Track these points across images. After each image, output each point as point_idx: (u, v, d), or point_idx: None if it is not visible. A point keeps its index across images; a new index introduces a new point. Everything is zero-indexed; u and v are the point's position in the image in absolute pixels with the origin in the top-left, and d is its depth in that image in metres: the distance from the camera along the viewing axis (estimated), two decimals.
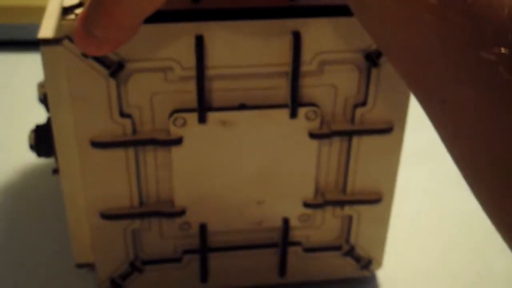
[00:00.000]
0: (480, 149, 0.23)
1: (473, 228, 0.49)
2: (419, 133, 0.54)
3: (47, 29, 0.34)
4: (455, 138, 0.24)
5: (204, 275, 0.40)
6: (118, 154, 0.35)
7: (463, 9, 0.22)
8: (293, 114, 0.35)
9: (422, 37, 0.23)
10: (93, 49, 0.30)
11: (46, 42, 0.33)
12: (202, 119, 0.35)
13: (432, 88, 0.24)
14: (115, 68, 0.33)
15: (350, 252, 0.41)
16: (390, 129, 0.37)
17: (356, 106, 0.36)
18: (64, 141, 0.36)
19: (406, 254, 0.46)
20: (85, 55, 0.32)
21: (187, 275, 0.40)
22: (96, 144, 0.35)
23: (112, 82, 0.33)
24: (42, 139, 0.38)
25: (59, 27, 0.33)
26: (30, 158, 0.52)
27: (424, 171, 0.54)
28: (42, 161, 0.51)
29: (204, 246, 0.39)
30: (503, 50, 0.21)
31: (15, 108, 0.58)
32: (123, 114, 0.34)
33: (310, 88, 0.35)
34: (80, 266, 0.41)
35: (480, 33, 0.22)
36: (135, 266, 0.39)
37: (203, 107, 0.34)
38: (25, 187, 0.50)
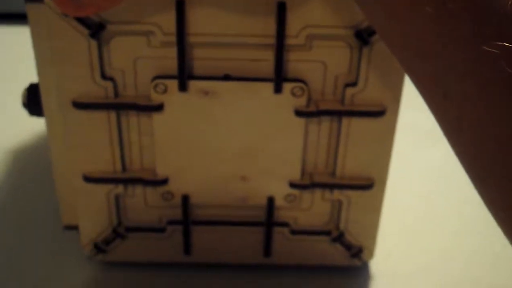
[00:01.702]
0: (482, 143, 0.22)
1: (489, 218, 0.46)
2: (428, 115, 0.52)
3: None
4: (457, 132, 0.23)
5: (187, 247, 0.40)
6: (100, 116, 0.35)
7: (465, 1, 0.20)
8: (278, 89, 0.34)
9: (423, 30, 0.22)
10: (71, 9, 0.29)
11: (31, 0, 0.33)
12: (182, 87, 0.34)
13: (433, 81, 0.23)
14: (96, 29, 0.32)
15: (340, 239, 0.40)
16: (382, 112, 0.35)
17: (346, 85, 0.34)
18: (50, 102, 0.36)
19: (410, 244, 0.44)
20: (66, 14, 0.32)
21: (170, 246, 0.40)
22: (78, 105, 0.35)
23: (93, 43, 0.33)
24: (34, 98, 0.38)
25: None
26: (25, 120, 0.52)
27: (438, 152, 0.53)
28: (37, 122, 0.52)
29: (186, 217, 0.38)
30: (505, 43, 0.20)
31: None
32: (105, 77, 0.34)
33: (297, 63, 0.34)
34: (67, 228, 0.41)
35: (482, 26, 0.20)
36: (118, 232, 0.39)
37: (184, 75, 0.34)
38: (19, 149, 0.51)
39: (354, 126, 0.35)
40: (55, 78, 0.34)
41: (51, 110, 0.37)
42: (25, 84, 0.39)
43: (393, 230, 0.45)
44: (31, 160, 0.50)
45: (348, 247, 0.40)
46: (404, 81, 0.34)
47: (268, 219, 0.38)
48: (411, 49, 0.23)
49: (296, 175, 0.37)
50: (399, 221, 0.46)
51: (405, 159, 0.52)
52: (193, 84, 0.34)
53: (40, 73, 0.36)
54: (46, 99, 0.36)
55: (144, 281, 0.40)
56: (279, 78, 0.34)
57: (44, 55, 0.35)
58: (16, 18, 0.68)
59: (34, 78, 0.50)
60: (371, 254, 0.40)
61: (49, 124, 0.37)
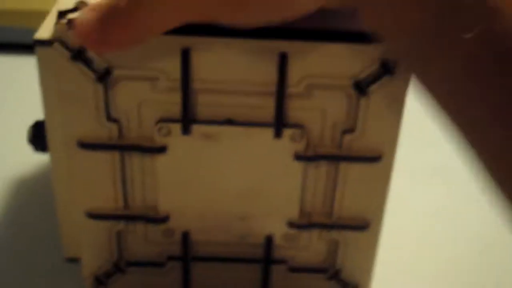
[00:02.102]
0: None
1: (485, 254, 0.47)
2: (432, 151, 0.55)
3: (44, 31, 0.35)
4: None
5: (186, 283, 0.41)
6: (104, 156, 0.36)
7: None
8: (278, 134, 0.35)
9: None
10: (95, 44, 0.30)
11: (40, 43, 0.34)
12: (186, 131, 0.35)
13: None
14: (102, 73, 0.33)
15: (336, 276, 0.40)
16: (379, 157, 0.36)
17: (344, 132, 0.35)
18: (55, 139, 0.37)
19: (405, 282, 0.45)
20: (74, 58, 0.33)
21: (169, 281, 0.41)
22: (83, 145, 0.36)
23: (99, 87, 0.34)
24: (39, 135, 0.39)
25: (53, 29, 0.34)
26: (28, 156, 0.53)
27: (437, 190, 0.54)
28: (40, 157, 0.53)
29: (186, 254, 0.39)
30: None
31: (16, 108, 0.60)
32: (110, 118, 0.35)
33: (297, 110, 0.35)
34: (69, 260, 0.42)
35: None
36: (118, 267, 0.40)
37: (187, 119, 0.35)
38: (22, 181, 0.52)
39: (351, 170, 0.36)
40: (61, 119, 0.35)
41: (56, 147, 0.38)
42: (30, 114, 0.41)
43: (389, 268, 0.46)
44: (34, 192, 0.50)
45: (344, 284, 0.41)
46: (400, 129, 0.35)
47: (266, 257, 0.39)
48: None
49: (294, 215, 0.38)
50: (395, 259, 0.47)
51: (402, 198, 0.53)
52: (196, 128, 0.35)
53: (46, 112, 0.37)
54: (51, 137, 0.37)
55: None
56: (279, 124, 0.35)
57: (51, 96, 0.36)
58: (22, 48, 0.69)
59: (38, 110, 0.52)
60: None
61: (53, 161, 0.38)
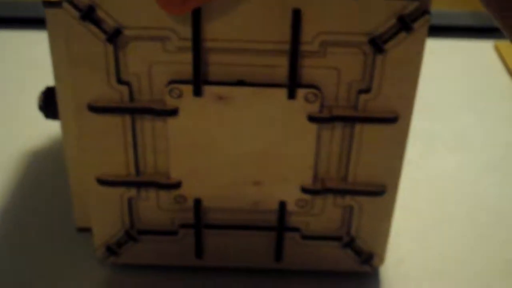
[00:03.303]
0: None
1: (502, 225, 0.47)
2: (451, 122, 0.56)
3: None
4: None
5: (199, 251, 0.40)
6: (115, 120, 0.35)
7: None
8: (291, 95, 0.34)
9: None
10: (177, 8, 0.31)
11: (49, 3, 0.34)
12: (197, 92, 0.34)
13: None
14: (112, 34, 0.33)
15: (350, 244, 0.40)
16: (395, 118, 0.35)
17: (360, 92, 0.34)
18: (66, 105, 0.37)
19: (421, 251, 0.44)
20: (83, 18, 0.32)
21: (182, 249, 0.40)
22: (93, 108, 0.35)
23: (110, 48, 0.33)
24: (49, 101, 0.39)
25: None
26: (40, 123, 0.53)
27: (455, 160, 0.53)
28: (52, 126, 0.53)
29: (199, 221, 0.39)
30: None
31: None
32: (121, 81, 0.34)
33: (311, 69, 0.34)
34: (80, 230, 0.42)
35: None
36: (131, 235, 0.40)
37: (199, 80, 0.34)
38: (34, 151, 0.51)
39: (367, 133, 0.36)
40: (71, 82, 0.35)
41: (67, 113, 0.37)
42: (41, 87, 0.40)
43: (404, 236, 0.45)
44: (46, 163, 0.50)
45: (359, 253, 0.40)
46: (417, 90, 0.35)
47: (280, 223, 0.39)
48: None
49: (308, 181, 0.37)
50: (411, 227, 0.46)
51: (419, 166, 0.52)
52: (208, 89, 0.34)
53: (56, 76, 0.36)
54: (62, 102, 0.37)
55: (155, 284, 0.41)
56: (293, 84, 0.34)
57: (61, 59, 0.35)
58: (32, 23, 0.68)
59: (50, 82, 0.51)
60: (381, 260, 0.41)
61: (64, 127, 0.38)
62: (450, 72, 0.66)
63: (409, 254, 0.44)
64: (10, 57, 0.63)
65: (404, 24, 0.32)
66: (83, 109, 0.35)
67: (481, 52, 0.69)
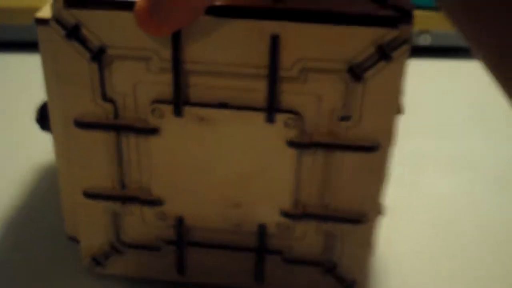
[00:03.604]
0: None
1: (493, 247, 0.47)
2: (457, 142, 0.57)
3: (45, 11, 0.36)
4: None
5: (181, 267, 0.40)
6: (100, 136, 0.36)
7: None
8: (270, 119, 0.34)
9: None
10: (153, 29, 0.32)
11: (40, 21, 0.35)
12: (178, 112, 0.35)
13: None
14: (96, 52, 0.34)
15: (332, 271, 0.40)
16: (375, 147, 0.35)
17: (341, 119, 0.34)
18: (56, 119, 0.38)
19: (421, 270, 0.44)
20: (68, 37, 0.33)
21: (165, 265, 0.41)
22: (79, 124, 0.36)
23: (94, 66, 0.34)
24: (44, 115, 0.40)
25: (51, 8, 0.35)
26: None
27: (461, 180, 0.54)
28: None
29: (180, 238, 0.39)
30: None
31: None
32: (106, 98, 0.35)
33: (291, 94, 0.34)
34: (71, 239, 0.42)
35: None
36: (115, 247, 0.40)
37: (179, 101, 0.34)
38: (36, 165, 0.53)
39: (347, 160, 0.36)
40: (58, 98, 0.36)
41: (57, 127, 0.38)
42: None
43: (407, 255, 0.45)
44: (43, 174, 0.51)
45: (340, 280, 0.40)
46: (397, 120, 0.34)
47: (260, 245, 0.39)
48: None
49: (288, 205, 0.37)
50: (410, 248, 0.46)
51: (421, 185, 0.53)
52: (189, 110, 0.35)
53: (47, 91, 0.37)
54: (53, 117, 0.38)
55: None
56: (272, 108, 0.34)
57: (51, 76, 0.36)
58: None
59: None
60: (363, 287, 0.40)
61: (55, 140, 0.39)
62: (454, 92, 0.67)
63: (414, 276, 0.44)
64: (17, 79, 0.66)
65: (383, 53, 0.32)
66: (70, 124, 0.36)
67: (485, 72, 0.70)
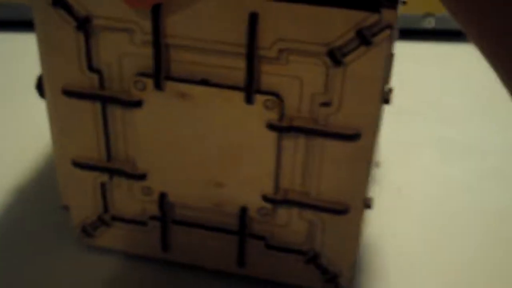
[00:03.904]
0: None
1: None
2: (460, 130, 0.57)
3: None
4: None
5: (165, 244, 0.40)
6: (87, 105, 0.37)
7: None
8: (249, 100, 0.34)
9: None
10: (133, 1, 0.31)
11: None
12: (158, 86, 0.35)
13: None
14: (82, 21, 0.34)
15: (314, 261, 0.39)
16: (357, 136, 0.34)
17: (322, 105, 0.33)
18: (48, 87, 0.38)
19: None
20: (54, 4, 0.34)
21: (151, 241, 0.41)
22: (66, 92, 0.36)
23: (81, 35, 0.34)
24: (41, 83, 0.40)
25: None
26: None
27: (465, 167, 0.53)
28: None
29: (164, 214, 0.39)
30: None
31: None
32: (92, 68, 0.35)
33: (272, 76, 0.33)
34: (64, 208, 0.43)
35: None
36: (103, 220, 0.41)
37: (160, 74, 0.34)
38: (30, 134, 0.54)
39: (329, 148, 0.34)
40: (47, 66, 0.36)
41: (49, 95, 0.39)
42: None
43: (413, 241, 0.45)
44: (39, 145, 0.52)
45: (323, 270, 0.39)
46: (380, 108, 0.33)
47: (242, 228, 0.38)
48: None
49: (268, 189, 0.36)
50: (419, 233, 0.46)
51: (429, 172, 0.52)
52: (170, 85, 0.34)
53: (40, 60, 0.38)
54: (45, 85, 0.38)
55: (124, 269, 0.41)
56: (251, 88, 0.33)
57: (41, 44, 0.37)
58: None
59: None
60: (348, 281, 0.39)
61: (48, 108, 0.39)
62: (458, 75, 0.66)
63: (418, 260, 0.44)
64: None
65: (363, 38, 0.31)
66: (58, 92, 0.37)
67: None
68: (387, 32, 0.31)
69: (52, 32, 0.35)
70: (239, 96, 0.34)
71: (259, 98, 0.34)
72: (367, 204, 0.38)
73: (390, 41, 0.31)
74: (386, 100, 0.34)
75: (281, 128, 0.34)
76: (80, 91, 0.36)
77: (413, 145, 0.55)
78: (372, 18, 0.30)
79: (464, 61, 0.67)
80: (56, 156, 0.41)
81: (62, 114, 0.37)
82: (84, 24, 0.34)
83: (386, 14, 0.30)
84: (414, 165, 0.53)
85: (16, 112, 0.57)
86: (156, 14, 0.32)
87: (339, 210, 0.36)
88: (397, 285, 0.42)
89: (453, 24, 0.79)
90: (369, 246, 0.44)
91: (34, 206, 0.47)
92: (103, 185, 0.39)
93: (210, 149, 0.36)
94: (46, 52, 0.35)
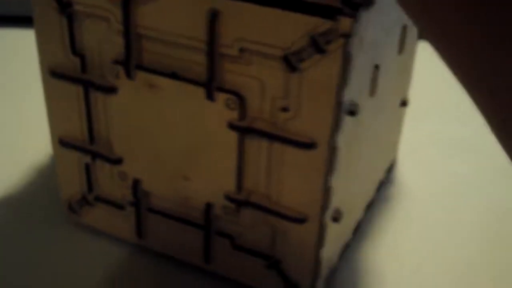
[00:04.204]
0: None
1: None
2: (461, 126, 0.56)
3: None
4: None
5: (139, 230, 0.41)
6: (70, 88, 0.38)
7: None
8: (210, 96, 0.34)
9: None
10: None
11: None
12: (129, 75, 0.35)
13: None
14: (63, 5, 0.35)
15: (276, 267, 0.38)
16: (312, 145, 0.33)
17: (281, 110, 0.33)
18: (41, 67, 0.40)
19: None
20: None
21: (127, 226, 0.42)
22: (53, 74, 0.38)
23: (64, 19, 0.36)
24: None
25: None
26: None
27: (467, 163, 0.53)
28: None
29: (138, 201, 0.40)
30: None
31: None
32: (75, 52, 0.37)
33: (234, 75, 0.33)
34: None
35: None
36: (86, 199, 0.42)
37: (130, 63, 0.35)
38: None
39: (287, 154, 0.34)
40: (38, 46, 0.38)
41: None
42: None
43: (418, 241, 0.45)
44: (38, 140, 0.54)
45: (284, 278, 0.38)
46: (338, 119, 0.32)
47: (207, 224, 0.38)
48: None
49: (231, 188, 0.36)
50: (423, 232, 0.46)
51: (432, 168, 0.52)
52: (140, 75, 0.35)
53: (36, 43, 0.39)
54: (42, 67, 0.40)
55: (108, 249, 0.43)
56: (211, 85, 0.33)
57: (35, 24, 0.38)
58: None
59: None
60: None
61: (45, 91, 0.41)
62: None
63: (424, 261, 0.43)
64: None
65: (316, 45, 0.30)
66: (45, 73, 0.38)
67: None
68: (341, 41, 0.30)
69: (41, 14, 0.36)
70: (202, 92, 0.34)
71: (221, 96, 0.34)
72: (334, 217, 0.37)
73: (347, 50, 0.30)
74: (351, 112, 0.33)
75: (242, 129, 0.34)
76: (64, 73, 0.38)
77: (418, 143, 0.55)
78: (325, 25, 0.29)
79: None
80: (50, 133, 0.43)
81: (50, 94, 0.39)
82: (65, 8, 0.35)
83: (343, 23, 0.29)
84: (419, 163, 0.53)
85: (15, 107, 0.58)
86: (126, 4, 0.33)
87: (297, 219, 0.35)
88: (400, 282, 0.42)
89: None
90: (373, 244, 0.44)
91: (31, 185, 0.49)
92: (87, 166, 0.41)
93: (176, 142, 0.36)
94: (37, 32, 0.37)
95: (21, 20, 0.68)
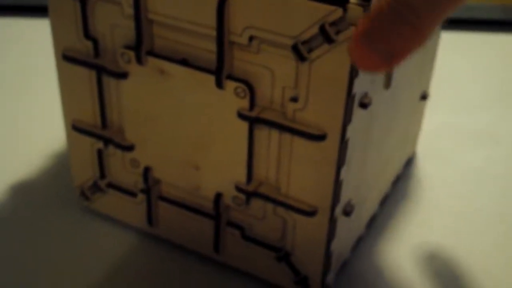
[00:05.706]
0: None
1: None
2: (478, 116, 0.55)
3: None
4: None
5: (150, 218, 0.41)
6: (84, 72, 0.38)
7: None
8: (219, 84, 0.33)
9: None
10: (377, 63, 0.25)
11: None
12: (139, 61, 0.35)
13: None
14: None
15: (286, 259, 0.37)
16: (322, 137, 0.32)
17: (291, 100, 0.32)
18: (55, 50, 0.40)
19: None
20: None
21: (139, 213, 0.42)
22: (66, 58, 0.38)
23: (77, 3, 0.35)
24: None
25: None
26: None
27: (482, 154, 0.52)
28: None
29: (149, 188, 0.40)
30: None
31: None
32: (88, 36, 0.36)
33: (245, 63, 0.32)
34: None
35: None
36: (99, 186, 0.42)
37: (141, 49, 0.35)
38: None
39: (296, 145, 0.33)
40: (52, 28, 0.38)
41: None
42: None
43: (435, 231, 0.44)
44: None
45: (294, 271, 0.38)
46: (348, 111, 0.31)
47: (217, 214, 0.38)
48: None
49: (241, 179, 0.36)
50: (441, 222, 0.45)
51: (447, 160, 0.51)
52: (151, 61, 0.35)
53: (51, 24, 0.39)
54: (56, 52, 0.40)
55: (116, 235, 0.43)
56: (221, 73, 0.33)
57: (49, 6, 0.38)
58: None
59: None
60: (317, 285, 0.37)
61: (59, 77, 0.41)
62: (479, 66, 0.62)
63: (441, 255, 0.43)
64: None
65: (326, 34, 0.29)
66: (59, 57, 0.38)
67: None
68: (352, 30, 0.29)
69: None
70: (212, 80, 0.33)
71: (230, 84, 0.33)
72: (345, 210, 0.36)
73: None
74: (362, 104, 0.32)
75: (251, 119, 0.33)
76: (77, 57, 0.37)
77: (429, 133, 0.54)
78: (336, 13, 0.29)
79: (478, 51, 0.66)
80: (64, 118, 0.43)
81: (64, 79, 0.39)
82: None
83: (352, 11, 0.28)
84: (432, 153, 0.52)
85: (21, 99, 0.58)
86: None
87: (307, 212, 0.35)
88: (413, 276, 0.41)
89: (466, 14, 0.74)
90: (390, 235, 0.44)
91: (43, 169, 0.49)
92: (99, 152, 0.41)
93: (186, 130, 0.36)
94: (51, 17, 0.37)
95: (34, 10, 0.68)
